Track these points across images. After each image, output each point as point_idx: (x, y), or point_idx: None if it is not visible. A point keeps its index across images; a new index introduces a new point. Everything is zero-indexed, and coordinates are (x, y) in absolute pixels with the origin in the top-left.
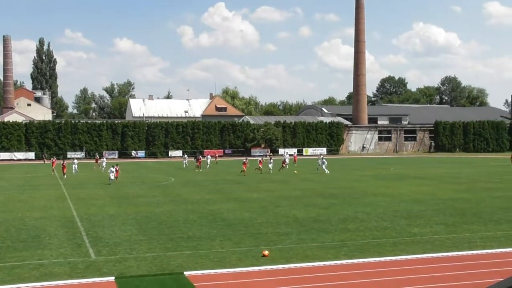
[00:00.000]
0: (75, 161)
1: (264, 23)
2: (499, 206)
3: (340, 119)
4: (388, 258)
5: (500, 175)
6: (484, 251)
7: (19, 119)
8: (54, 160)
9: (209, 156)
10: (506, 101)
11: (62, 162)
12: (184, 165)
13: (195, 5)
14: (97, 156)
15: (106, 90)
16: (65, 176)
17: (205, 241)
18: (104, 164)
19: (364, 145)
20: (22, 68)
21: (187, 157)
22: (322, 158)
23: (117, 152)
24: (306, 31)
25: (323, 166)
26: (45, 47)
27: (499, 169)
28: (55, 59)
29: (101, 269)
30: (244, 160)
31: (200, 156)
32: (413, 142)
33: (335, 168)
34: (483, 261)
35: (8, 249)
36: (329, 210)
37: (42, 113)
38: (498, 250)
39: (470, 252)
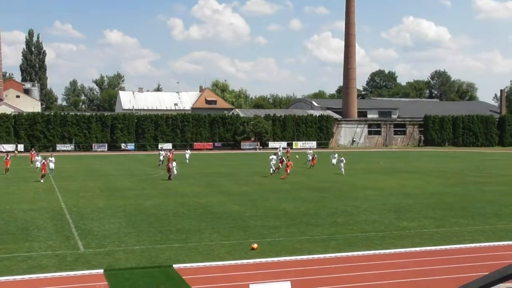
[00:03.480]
0: (51, 158)
1: (254, 16)
2: (488, 200)
3: (330, 112)
4: (376, 252)
5: (489, 169)
6: (472, 245)
7: (8, 110)
8: (7, 157)
9: (187, 151)
10: (496, 95)
11: (42, 160)
12: (160, 162)
13: None
14: (33, 151)
15: (95, 82)
16: (42, 180)
17: (194, 234)
18: (38, 164)
19: (354, 139)
20: (11, 59)
21: (163, 152)
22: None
23: (106, 144)
24: (296, 24)
25: (341, 164)
26: (35, 39)
27: (488, 163)
28: (44, 51)
29: (90, 262)
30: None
31: (172, 151)
32: (403, 136)
33: (325, 162)
34: (471, 255)
35: None
36: (318, 203)
37: (31, 105)
38: (486, 244)
39: (458, 246)
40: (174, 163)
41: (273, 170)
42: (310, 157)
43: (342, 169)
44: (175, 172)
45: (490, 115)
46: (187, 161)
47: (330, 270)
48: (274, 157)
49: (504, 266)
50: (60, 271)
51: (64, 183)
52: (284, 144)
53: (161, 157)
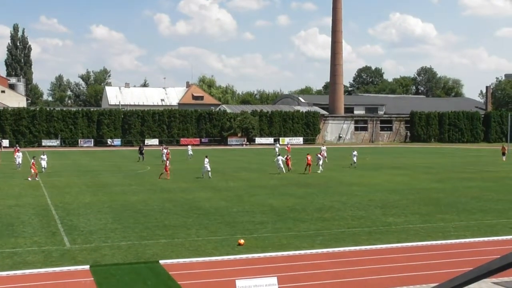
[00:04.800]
0: (43, 156)
1: (241, 12)
2: (473, 196)
3: (316, 108)
4: (363, 247)
5: (474, 165)
6: (457, 241)
7: None
8: None
9: (189, 147)
10: (481, 92)
11: (31, 160)
12: (163, 159)
13: None
14: (17, 147)
15: (82, 77)
16: (37, 178)
17: (181, 229)
18: (19, 159)
19: (341, 135)
20: None
21: (166, 150)
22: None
23: (92, 140)
24: (283, 20)
25: (354, 159)
26: (20, 34)
27: (474, 159)
28: (30, 46)
29: (76, 258)
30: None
31: (165, 148)
32: (389, 132)
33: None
34: (456, 250)
35: None
36: (305, 199)
37: (16, 100)
38: (472, 240)
39: (444, 242)
40: (207, 160)
41: (282, 170)
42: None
43: (321, 167)
44: (209, 168)
45: (475, 112)
46: (190, 157)
47: (317, 266)
48: (280, 157)
49: (488, 261)
50: (45, 267)
51: (50, 179)
52: (271, 140)
53: (164, 157)
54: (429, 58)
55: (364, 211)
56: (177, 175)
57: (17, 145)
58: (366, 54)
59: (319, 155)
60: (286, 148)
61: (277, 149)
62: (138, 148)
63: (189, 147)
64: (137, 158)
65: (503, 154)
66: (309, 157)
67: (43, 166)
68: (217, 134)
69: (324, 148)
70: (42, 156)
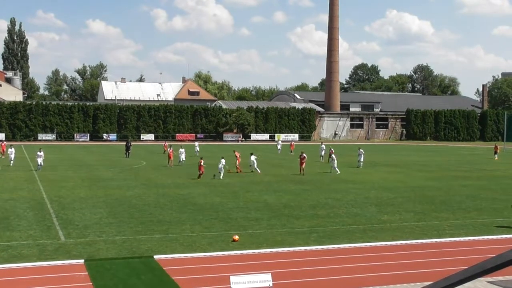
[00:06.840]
0: (40, 153)
1: (238, 8)
2: (468, 195)
3: (312, 105)
4: (357, 245)
5: (470, 163)
6: (452, 239)
7: None
8: None
9: (196, 143)
10: (477, 90)
11: None
12: (180, 161)
13: None
14: (4, 143)
15: (78, 72)
16: None
17: (176, 225)
18: (12, 156)
19: (336, 132)
20: None
21: (183, 151)
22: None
23: (88, 134)
24: (280, 16)
25: (361, 158)
26: (17, 28)
27: (469, 158)
28: (26, 40)
29: (70, 252)
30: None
31: (170, 147)
32: (385, 129)
33: (307, 155)
34: (451, 248)
35: None
36: (300, 196)
37: (13, 94)
38: (466, 238)
39: (438, 240)
40: (223, 161)
41: (256, 170)
42: (323, 153)
43: (361, 163)
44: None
45: (471, 110)
46: (197, 153)
47: (311, 263)
48: (254, 157)
49: (483, 260)
50: (40, 261)
51: (46, 173)
52: (266, 136)
53: (182, 156)
54: (425, 56)
55: (359, 209)
56: (175, 171)
57: (2, 140)
58: (363, 51)
59: (333, 155)
60: (290, 145)
61: (279, 146)
62: (125, 144)
63: (196, 143)
64: (129, 156)
65: (495, 153)
66: (303, 155)
67: (39, 163)
68: (213, 130)
69: (323, 146)
70: (38, 153)
